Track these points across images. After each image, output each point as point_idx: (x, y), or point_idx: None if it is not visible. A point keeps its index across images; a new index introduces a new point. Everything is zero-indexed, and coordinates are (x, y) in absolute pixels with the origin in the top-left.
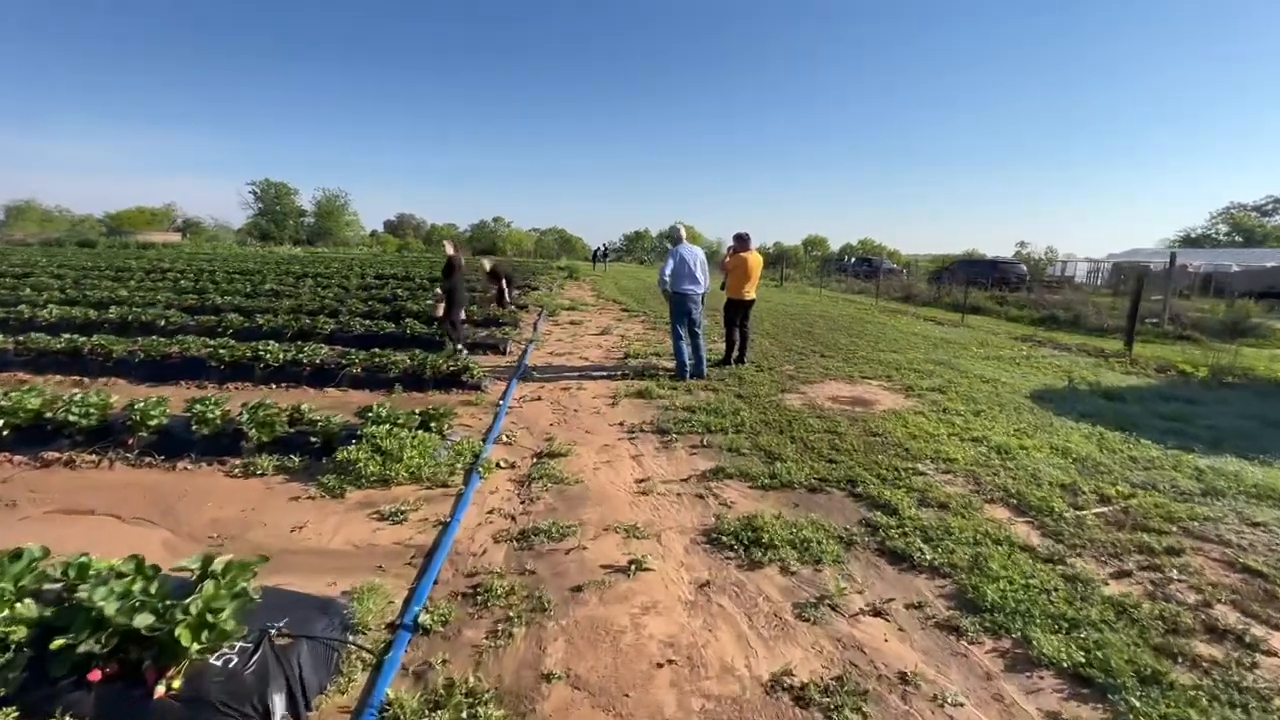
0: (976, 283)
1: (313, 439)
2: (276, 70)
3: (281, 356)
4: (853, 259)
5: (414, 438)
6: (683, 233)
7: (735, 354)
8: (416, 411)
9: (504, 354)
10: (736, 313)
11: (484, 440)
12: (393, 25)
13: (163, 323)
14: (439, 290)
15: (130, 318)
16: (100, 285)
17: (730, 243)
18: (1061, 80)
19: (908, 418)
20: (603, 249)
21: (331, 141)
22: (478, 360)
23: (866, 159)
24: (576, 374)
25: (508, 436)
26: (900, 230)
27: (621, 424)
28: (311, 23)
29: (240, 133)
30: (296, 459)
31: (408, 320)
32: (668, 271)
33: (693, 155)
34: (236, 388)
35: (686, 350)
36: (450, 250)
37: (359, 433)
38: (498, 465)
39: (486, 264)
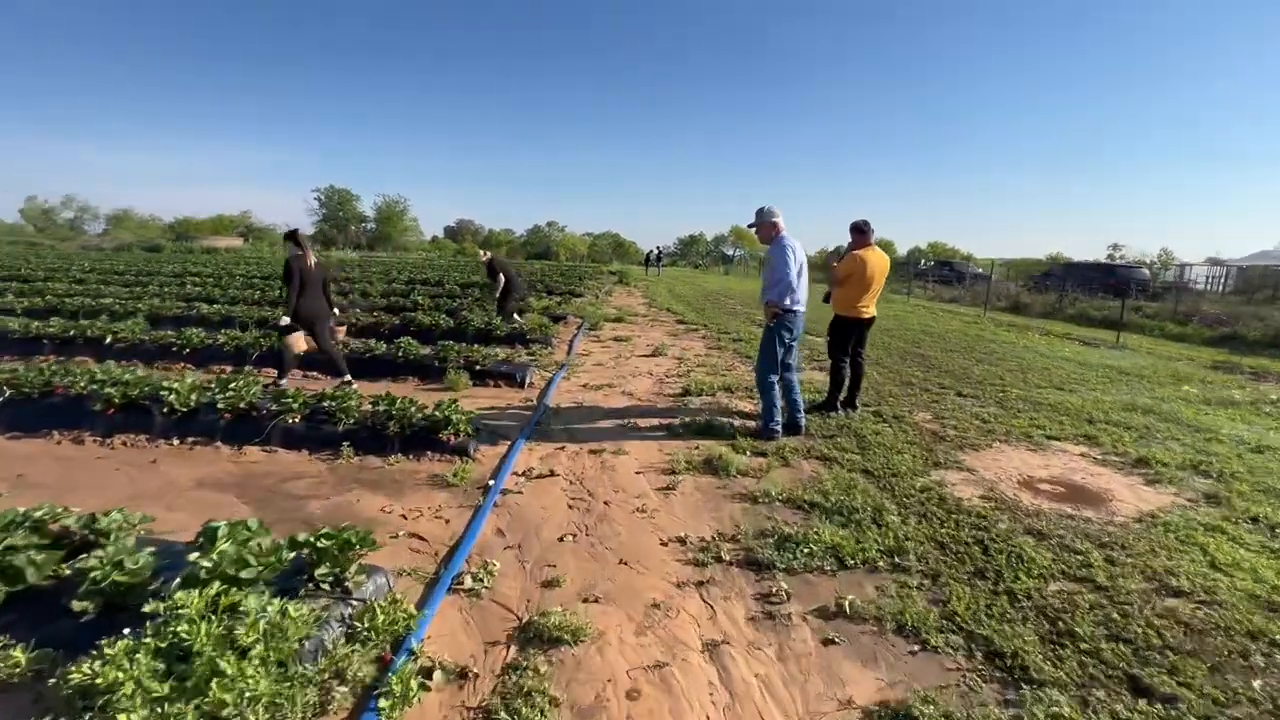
0: (1089, 289)
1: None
2: (347, 83)
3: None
4: (930, 262)
5: (263, 623)
6: (779, 217)
7: (843, 395)
8: (310, 540)
9: (522, 386)
10: (849, 336)
11: (435, 579)
12: (454, 31)
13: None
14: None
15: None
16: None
17: (833, 243)
18: (1138, 79)
19: (1202, 540)
20: (656, 252)
21: (396, 149)
22: (481, 397)
23: (930, 158)
24: (616, 422)
25: (477, 575)
26: (964, 233)
27: (683, 541)
28: (377, 36)
29: (316, 145)
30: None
31: (402, 340)
32: (791, 273)
33: (750, 156)
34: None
35: (778, 399)
36: (485, 255)
37: (149, 603)
38: (428, 680)
39: (484, 254)
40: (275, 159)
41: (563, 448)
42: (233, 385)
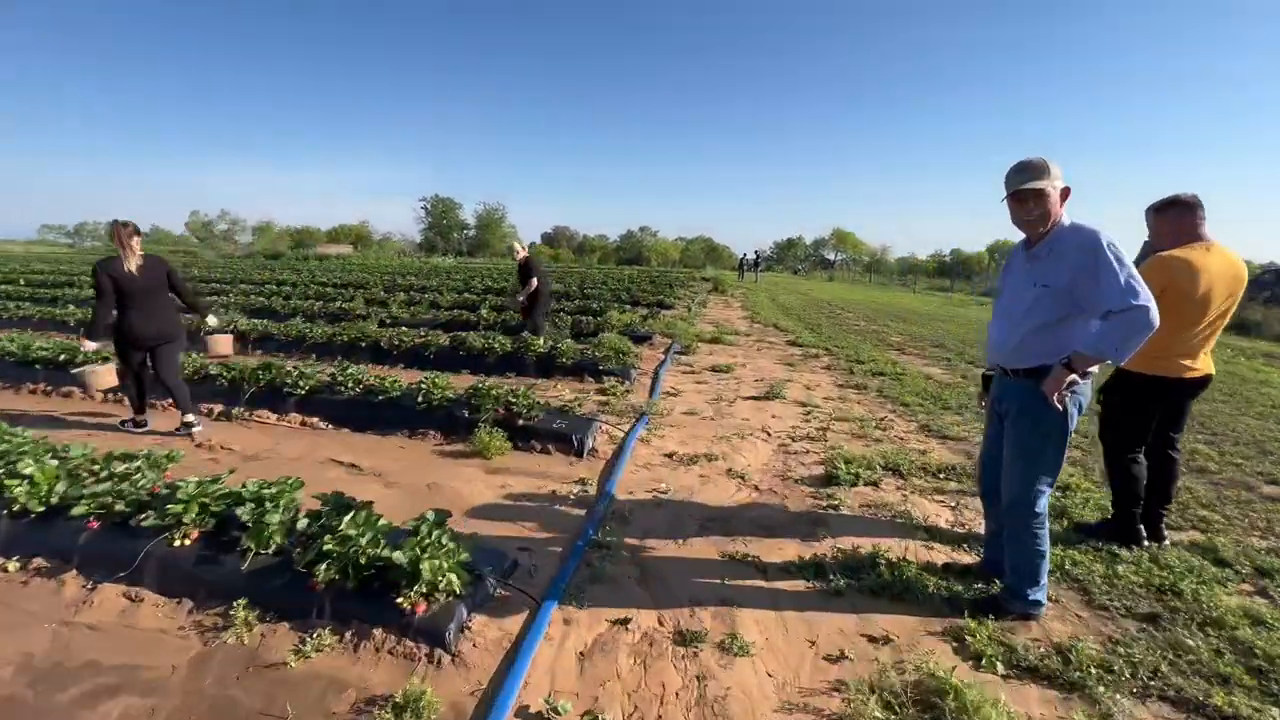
0: None
1: None
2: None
3: None
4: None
5: None
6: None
7: (1142, 507)
8: None
9: (580, 455)
10: (1152, 411)
11: None
12: (555, 40)
13: None
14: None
15: None
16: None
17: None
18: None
19: None
20: (754, 256)
21: (500, 158)
22: (518, 473)
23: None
24: (719, 544)
25: None
26: None
27: None
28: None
29: (430, 159)
30: None
31: (426, 381)
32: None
33: (849, 158)
34: None
35: (1044, 541)
36: (522, 252)
37: None
38: None
39: (519, 250)
40: (394, 175)
41: (625, 621)
42: None
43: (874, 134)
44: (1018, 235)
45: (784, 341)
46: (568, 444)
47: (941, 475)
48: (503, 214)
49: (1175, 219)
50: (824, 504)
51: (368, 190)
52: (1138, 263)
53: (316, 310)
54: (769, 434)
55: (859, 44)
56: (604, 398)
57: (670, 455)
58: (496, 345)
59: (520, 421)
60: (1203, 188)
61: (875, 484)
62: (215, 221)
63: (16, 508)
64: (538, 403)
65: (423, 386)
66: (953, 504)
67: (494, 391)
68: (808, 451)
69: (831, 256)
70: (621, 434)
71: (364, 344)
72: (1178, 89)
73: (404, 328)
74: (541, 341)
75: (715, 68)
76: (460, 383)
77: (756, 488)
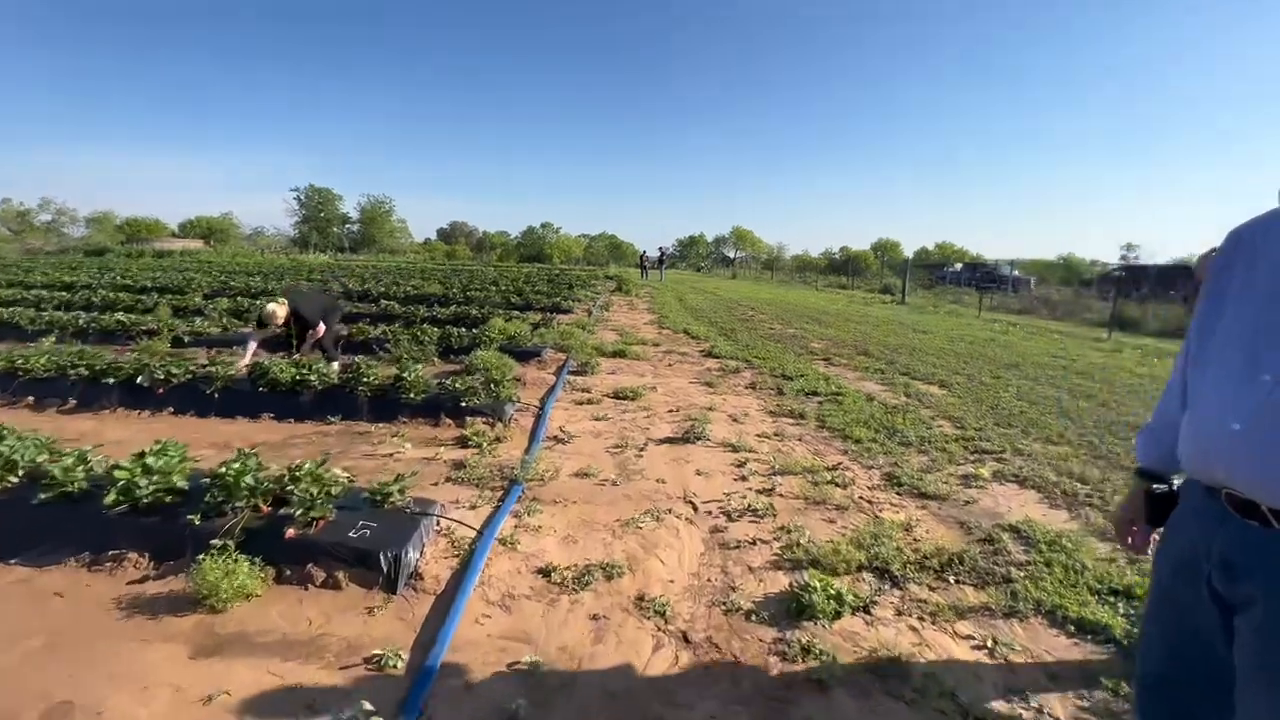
0: (1160, 296)
1: None
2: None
3: None
4: (958, 266)
5: None
6: None
7: None
8: None
9: (393, 586)
10: None
11: None
12: (441, 34)
13: None
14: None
15: None
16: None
17: None
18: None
19: None
20: (659, 253)
21: (388, 152)
22: (265, 640)
23: (916, 159)
24: None
25: None
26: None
27: None
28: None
29: (308, 149)
30: None
31: (123, 471)
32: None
33: (742, 155)
34: None
35: None
36: (281, 312)
37: None
38: None
39: (279, 311)
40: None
41: None
42: None
43: (767, 135)
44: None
45: (698, 352)
46: (373, 568)
47: (950, 577)
48: (390, 207)
49: None
50: (799, 666)
51: (251, 184)
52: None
53: (85, 325)
54: (695, 507)
55: (747, 46)
56: (463, 453)
57: (547, 572)
58: (314, 377)
59: (293, 530)
60: (1051, 188)
61: (866, 609)
62: (36, 211)
63: None
64: (338, 483)
65: (125, 473)
66: (988, 644)
67: (250, 475)
68: (753, 542)
69: (732, 254)
70: (472, 531)
71: (114, 377)
72: (1016, 83)
73: (207, 348)
74: (334, 369)
75: (617, 65)
76: (255, 435)
77: (686, 637)
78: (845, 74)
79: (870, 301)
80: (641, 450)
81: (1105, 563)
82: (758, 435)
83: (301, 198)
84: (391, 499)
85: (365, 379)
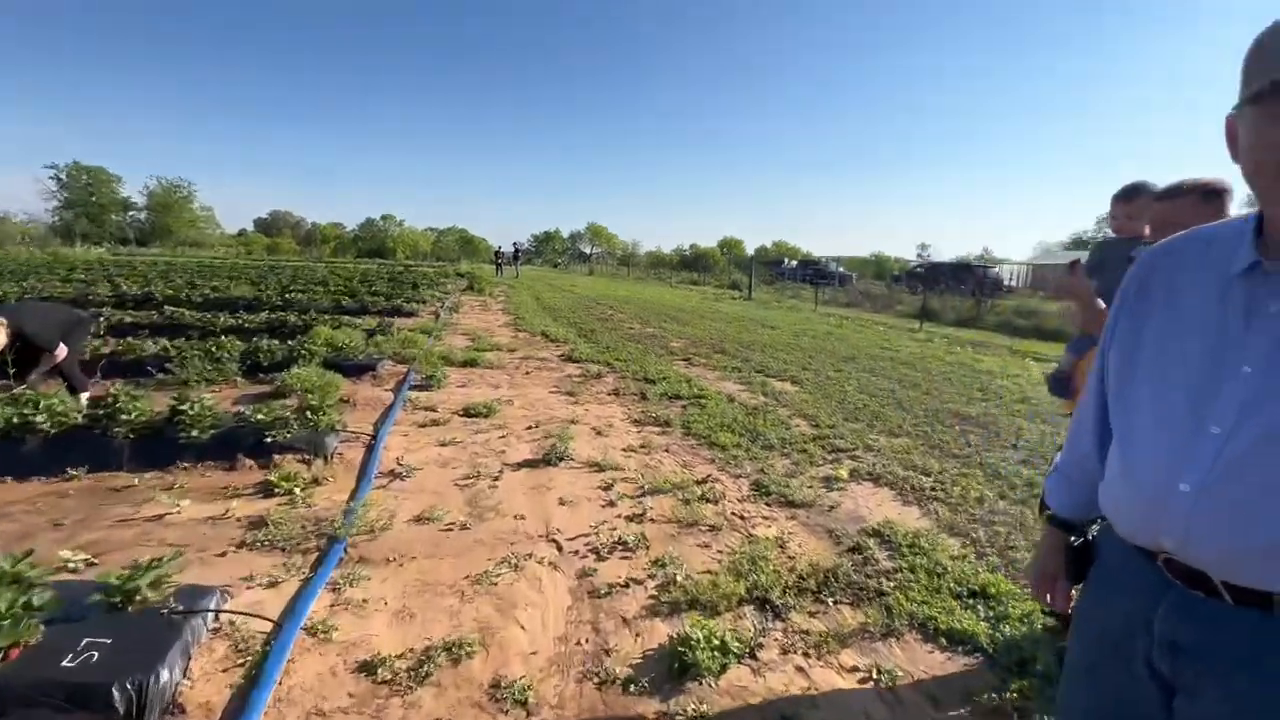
0: (949, 289)
1: None
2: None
3: None
4: (794, 263)
5: None
6: None
7: None
8: None
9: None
10: None
11: None
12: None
13: None
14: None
15: None
16: None
17: None
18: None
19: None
20: (513, 249)
21: (188, 129)
22: None
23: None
24: None
25: None
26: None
27: None
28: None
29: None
30: None
31: None
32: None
33: (598, 154)
34: None
35: None
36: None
37: None
38: None
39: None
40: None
41: None
42: None
43: (625, 135)
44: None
45: (558, 356)
46: (102, 710)
47: (827, 598)
48: (189, 193)
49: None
50: None
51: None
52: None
53: None
54: (560, 547)
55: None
56: (266, 504)
57: (372, 668)
58: (41, 417)
59: None
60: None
61: (752, 654)
62: None
63: None
64: (45, 586)
65: None
66: (873, 673)
67: None
68: (626, 584)
69: (588, 250)
70: (267, 624)
71: None
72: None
73: None
74: (82, 402)
75: (468, 55)
76: None
77: None
78: (683, 76)
79: (720, 297)
80: (497, 479)
81: (959, 561)
82: (624, 449)
83: (62, 177)
84: (140, 595)
85: (126, 413)
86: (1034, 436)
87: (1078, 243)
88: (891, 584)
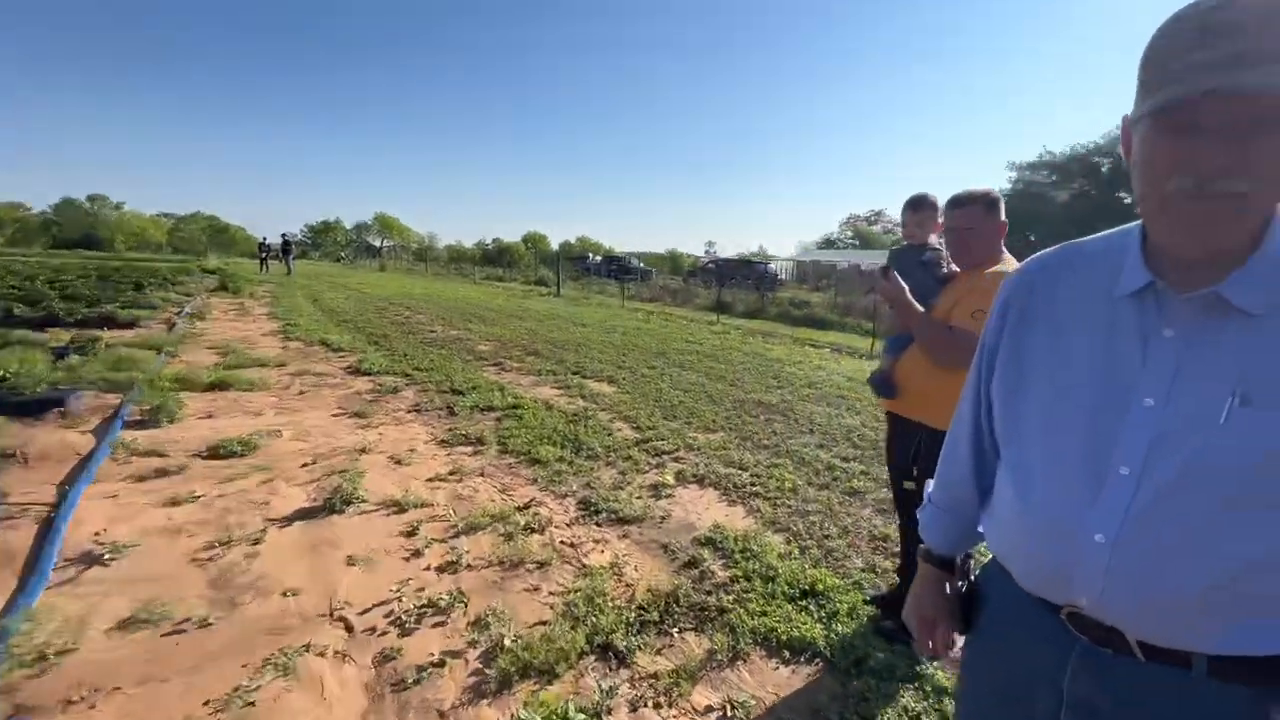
0: (736, 283)
1: None
2: None
3: None
4: (598, 258)
5: None
6: None
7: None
8: None
9: None
10: None
11: None
12: None
13: None
14: None
15: None
16: None
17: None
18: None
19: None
20: (281, 241)
21: None
22: None
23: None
24: None
25: None
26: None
27: None
28: None
29: None
30: None
31: None
32: None
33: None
34: None
35: None
36: None
37: None
38: None
39: None
40: None
41: None
42: None
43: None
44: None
45: (342, 369)
46: None
47: (672, 628)
48: None
49: (997, 215)
50: None
51: None
52: (943, 275)
53: None
54: (349, 628)
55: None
56: None
57: None
58: None
59: None
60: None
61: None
62: None
63: None
64: None
65: None
66: (728, 710)
67: None
68: (441, 663)
69: (378, 243)
70: None
71: None
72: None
73: None
74: None
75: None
76: None
77: None
78: (482, 68)
79: (528, 294)
80: (257, 543)
81: (787, 560)
82: (430, 480)
83: None
84: None
85: None
86: (824, 420)
87: (828, 242)
88: (731, 597)
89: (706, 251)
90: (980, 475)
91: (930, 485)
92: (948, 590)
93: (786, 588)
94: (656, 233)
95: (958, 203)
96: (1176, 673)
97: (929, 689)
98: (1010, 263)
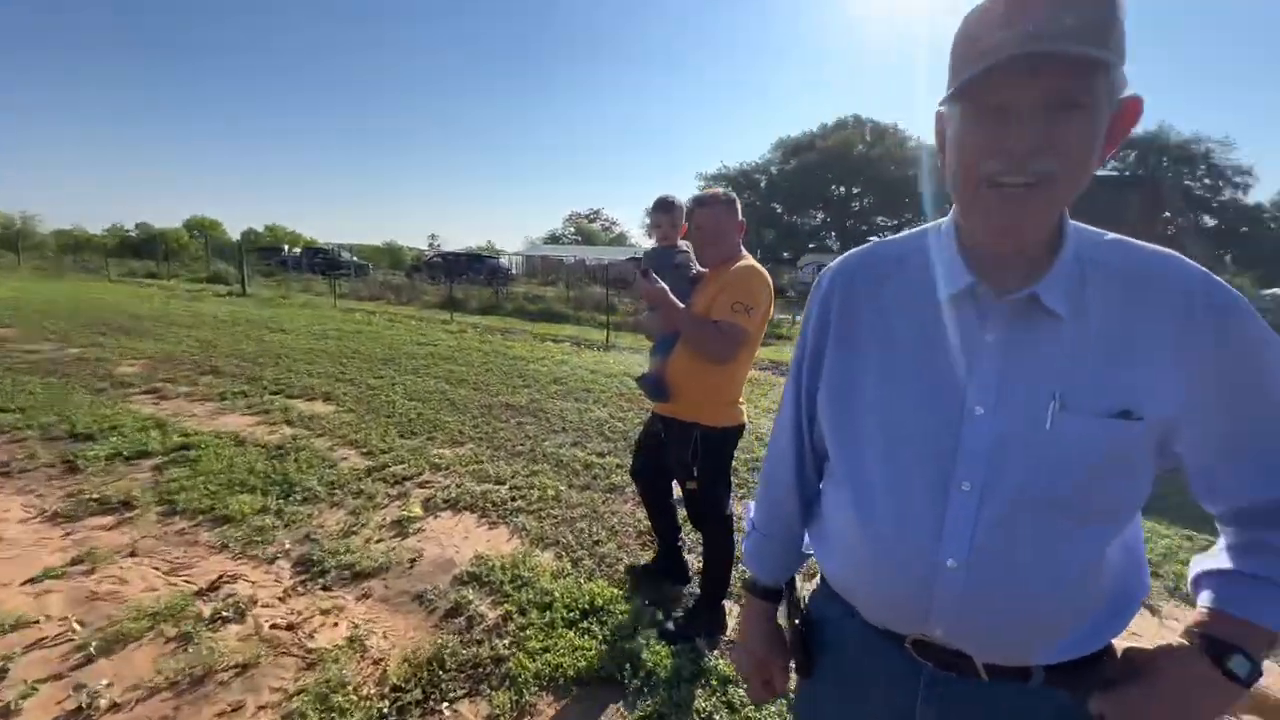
0: (468, 278)
1: None
2: None
3: None
4: (297, 250)
5: None
6: None
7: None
8: None
9: None
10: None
11: None
12: None
13: None
14: None
15: None
16: None
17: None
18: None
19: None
20: None
21: None
22: None
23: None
24: None
25: None
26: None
27: None
28: None
29: None
30: None
31: None
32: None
33: None
34: None
35: None
36: None
37: None
38: None
39: None
40: None
41: None
42: None
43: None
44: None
45: None
46: None
47: (440, 705)
48: None
49: (734, 213)
50: None
51: None
52: (692, 275)
53: None
54: None
55: None
56: None
57: None
58: None
59: None
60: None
61: None
62: None
63: None
64: None
65: None
66: None
67: None
68: None
69: None
70: None
71: None
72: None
73: None
74: None
75: None
76: None
77: None
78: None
79: (200, 295)
80: None
81: (561, 579)
82: (32, 582)
83: None
84: None
85: None
86: (575, 416)
87: (553, 237)
88: (506, 641)
89: (431, 245)
90: (804, 488)
91: (750, 509)
92: (781, 623)
93: (565, 612)
94: (372, 223)
95: (702, 202)
96: (1017, 686)
97: (714, 682)
98: (750, 259)
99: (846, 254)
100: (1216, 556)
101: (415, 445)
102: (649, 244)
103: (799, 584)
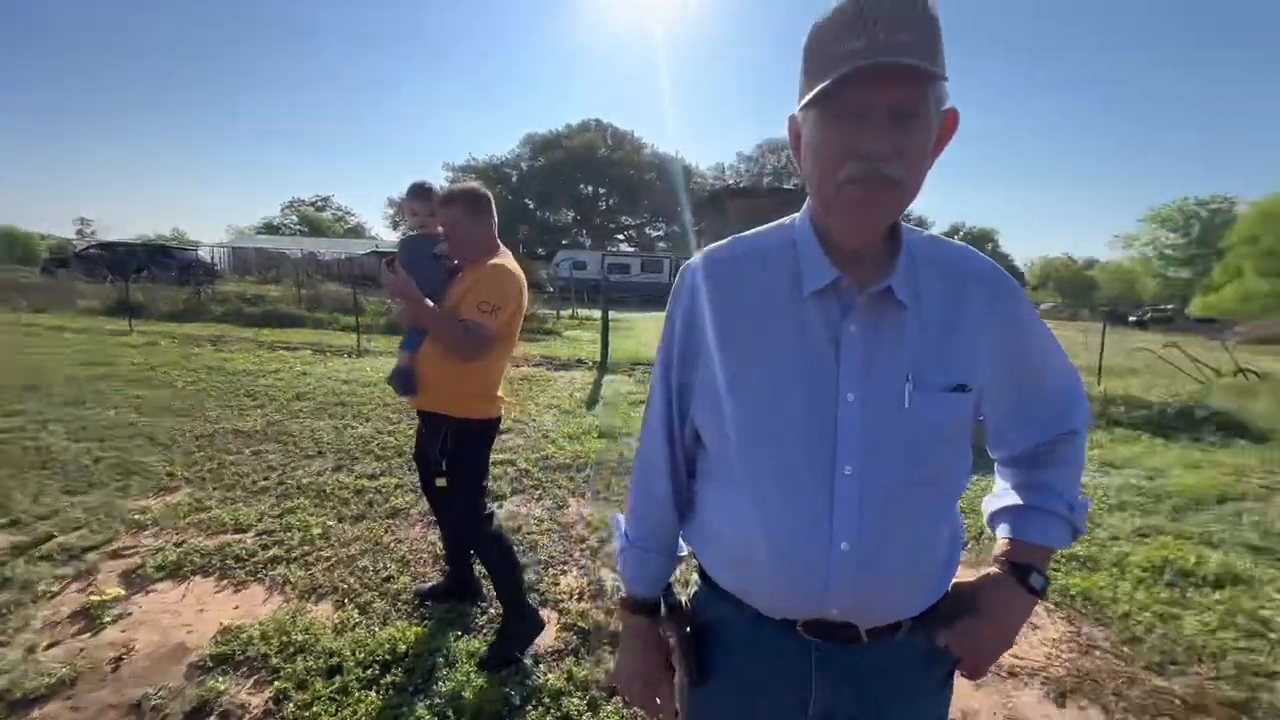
0: (151, 276)
1: None
2: None
3: None
4: None
5: None
6: None
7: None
8: None
9: None
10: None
11: None
12: None
13: None
14: None
15: None
16: None
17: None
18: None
19: None
20: None
21: None
22: None
23: None
24: None
25: None
26: None
27: None
28: None
29: None
30: None
31: None
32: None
33: None
34: None
35: None
36: None
37: None
38: None
39: None
40: None
41: None
42: None
43: None
44: None
45: None
46: None
47: None
48: None
49: (483, 212)
50: None
51: None
52: (452, 266)
53: None
54: None
55: None
56: None
57: None
58: None
59: None
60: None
61: None
62: None
63: None
64: None
65: None
66: None
67: None
68: None
69: None
70: None
71: None
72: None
73: None
74: None
75: None
76: None
77: None
78: None
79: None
80: None
81: (346, 633)
82: None
83: None
84: None
85: None
86: (331, 436)
87: (269, 227)
88: None
89: (80, 233)
90: (679, 494)
91: (620, 522)
92: (669, 637)
93: (361, 671)
94: None
95: (445, 201)
96: (889, 640)
97: (547, 700)
98: (507, 255)
99: (706, 250)
100: (1004, 496)
101: (97, 500)
102: (394, 236)
103: (684, 597)
